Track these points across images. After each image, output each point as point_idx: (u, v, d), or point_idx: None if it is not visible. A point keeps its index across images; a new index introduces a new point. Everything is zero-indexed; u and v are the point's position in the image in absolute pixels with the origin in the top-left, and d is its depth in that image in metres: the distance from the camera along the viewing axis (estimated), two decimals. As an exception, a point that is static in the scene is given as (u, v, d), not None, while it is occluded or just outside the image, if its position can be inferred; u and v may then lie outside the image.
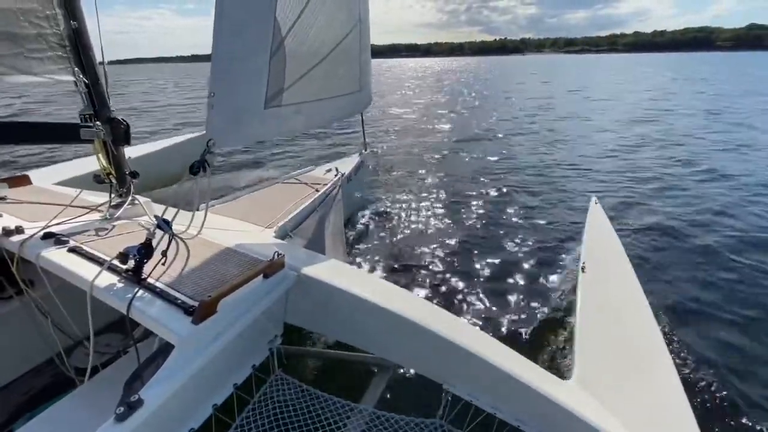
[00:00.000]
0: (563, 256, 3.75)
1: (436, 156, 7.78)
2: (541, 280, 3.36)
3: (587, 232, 2.78)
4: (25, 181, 2.33)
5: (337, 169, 3.57)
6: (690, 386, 2.22)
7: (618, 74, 36.09)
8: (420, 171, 6.76)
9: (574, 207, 5.04)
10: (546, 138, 9.33)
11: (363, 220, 4.55)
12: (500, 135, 9.69)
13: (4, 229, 1.56)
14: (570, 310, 2.78)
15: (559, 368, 2.27)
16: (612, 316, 1.86)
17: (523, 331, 2.70)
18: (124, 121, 1.82)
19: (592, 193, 4.96)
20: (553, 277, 3.37)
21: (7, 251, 1.58)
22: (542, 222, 4.62)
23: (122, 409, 0.99)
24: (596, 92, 19.79)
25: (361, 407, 1.51)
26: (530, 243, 4.06)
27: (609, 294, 2.08)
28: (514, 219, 4.72)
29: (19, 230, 1.58)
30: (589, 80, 29.52)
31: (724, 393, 2.22)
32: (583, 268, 2.20)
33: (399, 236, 4.21)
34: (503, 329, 2.74)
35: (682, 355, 2.49)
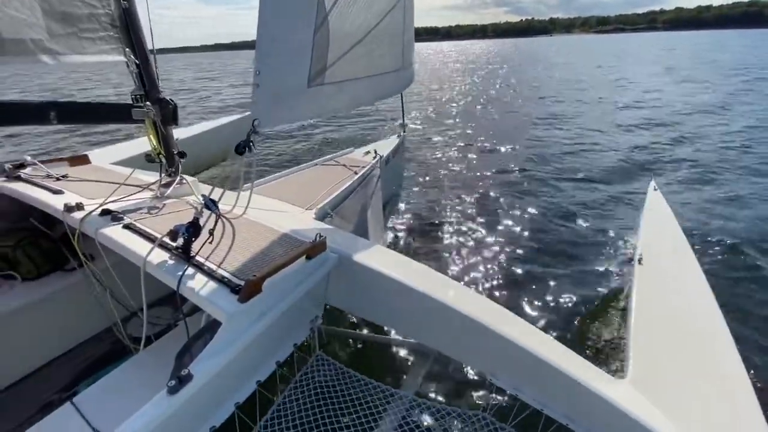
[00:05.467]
0: (617, 245, 3.52)
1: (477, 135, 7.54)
2: (593, 271, 3.16)
3: (644, 220, 2.56)
4: (84, 160, 2.46)
5: (375, 151, 3.51)
6: (764, 395, 1.98)
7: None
8: (460, 149, 6.57)
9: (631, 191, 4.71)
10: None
11: (402, 203, 4.50)
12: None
13: (66, 205, 1.65)
14: (624, 304, 2.60)
15: (609, 366, 2.14)
16: (673, 313, 1.71)
17: (571, 324, 2.57)
18: (172, 101, 1.85)
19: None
20: (606, 269, 3.17)
21: (69, 226, 1.68)
22: (594, 207, 4.36)
23: (174, 382, 1.02)
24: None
25: (402, 393, 1.49)
26: (580, 231, 3.85)
27: (669, 289, 1.91)
28: (562, 204, 4.49)
29: (79, 207, 1.67)
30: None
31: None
32: (639, 260, 2.03)
33: (439, 220, 4.12)
34: (549, 321, 2.62)
35: (755, 359, 2.23)
